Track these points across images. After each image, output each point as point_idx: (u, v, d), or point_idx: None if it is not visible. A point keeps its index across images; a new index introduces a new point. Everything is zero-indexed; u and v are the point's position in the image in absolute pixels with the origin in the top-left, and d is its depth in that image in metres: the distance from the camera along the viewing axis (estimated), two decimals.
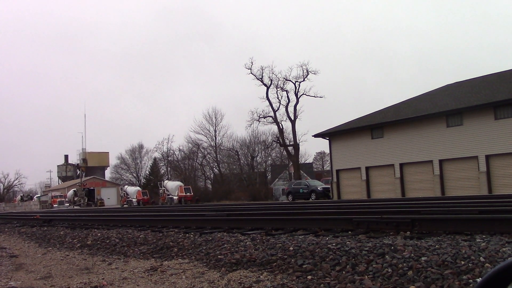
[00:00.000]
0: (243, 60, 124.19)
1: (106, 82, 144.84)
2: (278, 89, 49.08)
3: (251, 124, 54.43)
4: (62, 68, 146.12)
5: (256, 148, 66.47)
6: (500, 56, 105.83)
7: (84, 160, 76.92)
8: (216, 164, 68.18)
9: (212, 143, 67.69)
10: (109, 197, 72.73)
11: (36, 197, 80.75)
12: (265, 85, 48.98)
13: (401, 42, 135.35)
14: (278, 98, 49.58)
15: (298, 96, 48.50)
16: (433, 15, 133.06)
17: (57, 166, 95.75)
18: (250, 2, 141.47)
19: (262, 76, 48.69)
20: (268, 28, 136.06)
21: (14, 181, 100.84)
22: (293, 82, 48.45)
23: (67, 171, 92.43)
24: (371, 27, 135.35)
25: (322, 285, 4.53)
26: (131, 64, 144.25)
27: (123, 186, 67.30)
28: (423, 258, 4.58)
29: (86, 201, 63.35)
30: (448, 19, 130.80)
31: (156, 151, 76.06)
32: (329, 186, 36.60)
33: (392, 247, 5.13)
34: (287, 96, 49.18)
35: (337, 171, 35.39)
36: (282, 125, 50.18)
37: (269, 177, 65.85)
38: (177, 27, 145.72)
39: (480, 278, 3.82)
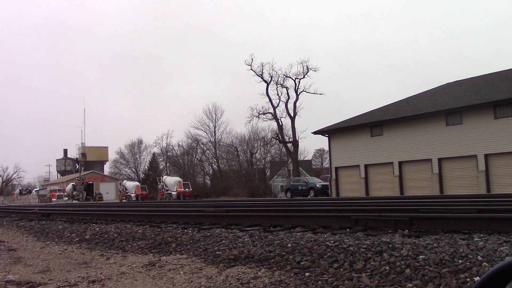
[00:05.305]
0: (243, 56, 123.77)
1: (106, 77, 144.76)
2: (278, 86, 49.10)
3: (250, 121, 54.49)
4: (60, 64, 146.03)
5: (255, 145, 66.51)
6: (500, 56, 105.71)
7: (83, 154, 76.91)
8: (215, 160, 68.22)
9: (211, 138, 67.76)
10: (107, 192, 72.64)
11: (35, 191, 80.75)
12: (265, 81, 48.97)
13: (402, 40, 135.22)
14: (278, 94, 49.62)
15: (298, 93, 48.53)
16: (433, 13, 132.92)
17: (56, 160, 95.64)
18: None
19: (262, 73, 48.70)
20: (268, 24, 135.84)
21: (13, 174, 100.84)
22: (293, 79, 48.48)
23: (66, 165, 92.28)
24: (371, 24, 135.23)
25: (319, 282, 4.54)
26: (131, 60, 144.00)
27: (122, 181, 67.26)
28: (421, 257, 4.59)
29: (84, 195, 63.35)
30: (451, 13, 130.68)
31: (156, 146, 76.08)
32: (327, 184, 36.63)
33: (390, 245, 5.14)
34: (287, 93, 49.23)
35: (336, 168, 35.41)
36: (281, 121, 50.26)
37: (268, 173, 65.87)
38: (177, 23, 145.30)
39: (477, 277, 3.83)
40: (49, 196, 66.24)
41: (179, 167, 69.48)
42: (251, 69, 48.60)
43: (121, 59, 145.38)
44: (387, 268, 4.53)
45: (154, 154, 79.45)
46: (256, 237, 6.94)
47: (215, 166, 68.57)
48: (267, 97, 49.20)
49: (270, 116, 49.72)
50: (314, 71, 48.09)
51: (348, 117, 37.07)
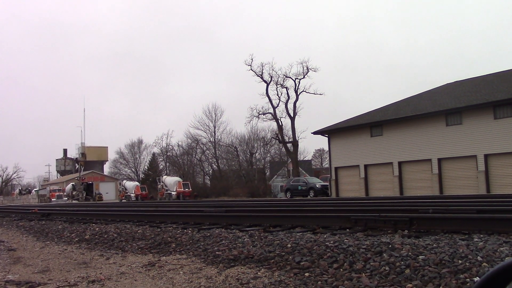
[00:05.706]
0: (243, 56, 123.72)
1: (106, 77, 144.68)
2: (278, 86, 49.10)
3: (250, 121, 54.54)
4: (60, 64, 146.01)
5: (255, 145, 66.44)
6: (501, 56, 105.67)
7: (83, 154, 76.94)
8: (215, 160, 68.18)
9: (211, 139, 67.74)
10: (107, 192, 72.60)
11: (35, 190, 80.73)
12: (265, 81, 48.96)
13: (401, 40, 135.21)
14: (277, 94, 49.60)
15: (298, 93, 48.52)
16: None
17: (56, 160, 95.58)
18: None
19: (262, 73, 48.68)
20: (268, 24, 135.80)
21: (12, 174, 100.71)
22: (293, 79, 48.47)
23: (65, 165, 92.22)
24: (370, 25, 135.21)
25: (319, 282, 4.54)
26: (131, 60, 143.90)
27: (122, 181, 67.24)
28: (420, 257, 4.59)
29: (84, 195, 63.31)
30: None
31: (155, 146, 76.12)
32: (327, 184, 36.62)
33: (390, 246, 5.14)
34: (287, 93, 49.21)
35: (336, 168, 35.40)
36: (281, 122, 50.26)
37: (267, 173, 65.83)
38: (177, 23, 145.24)
39: (477, 278, 3.83)
40: (49, 196, 66.19)
41: (179, 167, 69.48)
42: (251, 69, 48.65)
43: (121, 59, 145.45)
44: (387, 268, 4.53)
45: (154, 154, 79.53)
46: (256, 237, 6.94)
47: (215, 166, 68.57)
48: (267, 97, 49.26)
49: (270, 116, 49.77)
50: (314, 71, 48.16)
51: (348, 117, 37.11)
